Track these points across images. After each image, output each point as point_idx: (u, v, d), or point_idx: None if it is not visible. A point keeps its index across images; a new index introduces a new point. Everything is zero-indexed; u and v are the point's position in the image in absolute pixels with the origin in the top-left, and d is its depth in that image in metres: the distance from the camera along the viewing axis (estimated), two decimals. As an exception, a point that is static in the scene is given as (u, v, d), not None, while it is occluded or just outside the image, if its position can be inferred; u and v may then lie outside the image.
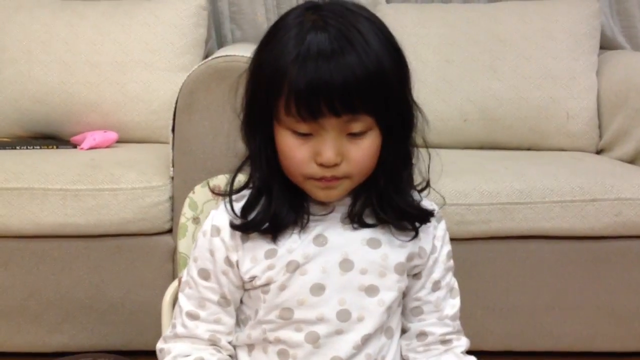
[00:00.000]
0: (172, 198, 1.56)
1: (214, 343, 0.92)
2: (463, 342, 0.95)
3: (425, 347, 0.94)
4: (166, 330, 0.96)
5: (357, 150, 0.82)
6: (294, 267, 0.87)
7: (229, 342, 0.92)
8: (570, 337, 1.58)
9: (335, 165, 0.82)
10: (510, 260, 1.55)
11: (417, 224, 0.89)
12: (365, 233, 0.89)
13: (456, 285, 0.97)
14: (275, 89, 0.81)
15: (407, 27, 2.01)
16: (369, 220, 0.89)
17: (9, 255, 1.55)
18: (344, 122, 0.81)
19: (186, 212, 1.10)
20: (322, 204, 0.89)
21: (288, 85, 0.79)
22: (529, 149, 1.93)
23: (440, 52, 1.98)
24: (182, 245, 1.09)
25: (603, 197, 1.52)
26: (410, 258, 0.90)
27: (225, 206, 0.89)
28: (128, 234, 1.55)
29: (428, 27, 2.01)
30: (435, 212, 0.92)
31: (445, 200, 0.94)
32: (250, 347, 0.92)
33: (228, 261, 0.89)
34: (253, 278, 0.89)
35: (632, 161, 1.77)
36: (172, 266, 1.55)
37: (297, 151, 0.82)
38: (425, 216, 0.90)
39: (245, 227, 0.88)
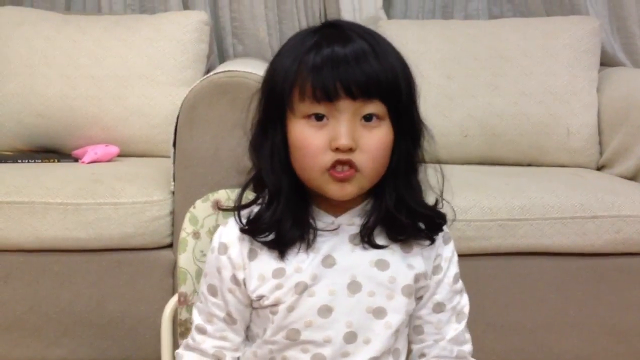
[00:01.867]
0: (172, 212, 1.56)
1: (219, 359, 0.92)
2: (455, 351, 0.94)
3: None
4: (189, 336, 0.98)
5: (371, 138, 0.83)
6: (302, 289, 0.87)
7: (237, 358, 0.93)
8: (570, 354, 1.57)
9: (350, 150, 0.82)
10: (511, 276, 1.54)
11: (432, 232, 0.90)
12: (374, 254, 0.89)
13: (466, 309, 0.96)
14: (289, 84, 0.83)
15: (408, 43, 2.01)
16: (380, 241, 0.89)
17: (9, 269, 1.55)
18: (358, 105, 0.82)
19: (187, 227, 1.10)
20: (329, 218, 0.89)
21: (304, 70, 0.82)
22: (529, 165, 1.93)
23: (441, 67, 1.98)
24: (183, 259, 1.09)
25: (603, 214, 1.52)
26: (417, 279, 0.90)
27: (235, 217, 0.90)
28: (128, 249, 1.55)
29: (429, 43, 2.02)
30: (444, 232, 0.93)
31: (456, 216, 0.94)
32: None
33: (235, 279, 0.90)
34: (261, 297, 0.89)
35: (632, 178, 1.77)
36: (172, 281, 1.55)
37: (313, 139, 0.83)
38: (439, 218, 0.91)
39: (252, 232, 0.88)
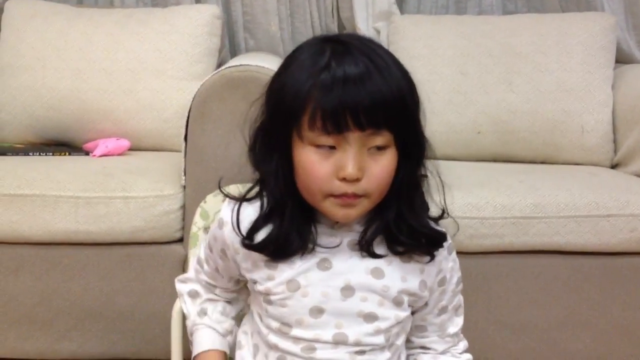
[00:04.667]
0: (183, 207, 1.55)
1: (210, 291, 1.02)
2: (460, 346, 1.00)
3: (425, 353, 0.99)
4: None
5: (377, 167, 0.84)
6: (295, 287, 0.89)
7: (224, 292, 1.01)
8: (583, 354, 1.56)
9: (357, 180, 0.83)
10: (524, 275, 1.53)
11: (431, 250, 0.91)
12: (371, 262, 0.90)
13: (462, 301, 1.00)
14: (299, 106, 0.82)
15: (422, 39, 2.00)
16: (379, 250, 0.90)
17: (19, 262, 1.55)
18: (366, 136, 0.82)
19: (197, 222, 1.10)
20: (331, 235, 0.90)
21: (315, 102, 0.81)
22: (543, 162, 1.92)
23: (455, 64, 1.97)
24: (193, 254, 1.08)
25: (618, 213, 1.50)
26: (410, 293, 0.92)
27: (233, 227, 0.91)
28: (139, 243, 1.55)
29: (442, 39, 2.00)
30: (447, 243, 0.94)
31: (459, 229, 0.95)
32: (255, 348, 0.95)
33: (223, 253, 0.94)
34: (255, 281, 0.92)
35: (647, 177, 1.76)
36: (182, 275, 1.55)
37: (319, 167, 0.83)
38: (439, 237, 0.92)
39: (251, 247, 0.89)
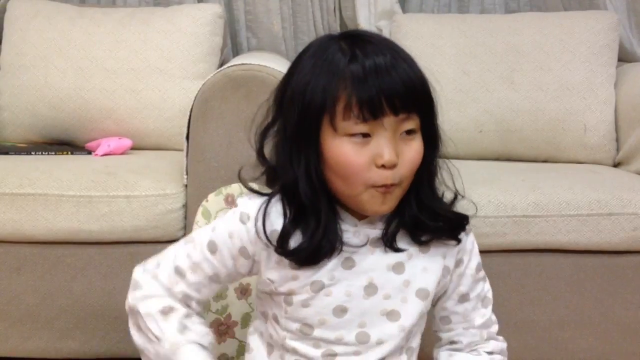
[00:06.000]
0: (185, 206, 1.55)
1: (185, 304, 0.92)
2: (490, 345, 0.98)
3: (452, 349, 0.98)
4: (150, 261, 0.97)
5: (410, 151, 0.85)
6: (319, 287, 0.88)
7: (199, 304, 0.94)
8: (585, 352, 1.56)
9: (394, 165, 0.83)
10: (526, 273, 1.53)
11: (456, 233, 0.92)
12: (391, 258, 0.90)
13: (489, 294, 0.99)
14: (331, 100, 0.82)
15: (424, 38, 2.00)
16: (401, 244, 0.90)
17: (22, 261, 1.55)
18: (399, 121, 0.83)
19: (199, 221, 1.10)
20: (355, 233, 0.89)
21: (348, 92, 0.81)
22: (545, 161, 1.92)
23: (457, 62, 1.97)
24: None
25: (620, 212, 1.50)
26: (434, 283, 0.91)
27: (258, 234, 0.88)
28: (141, 242, 1.55)
29: (445, 38, 2.00)
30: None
31: (477, 210, 0.95)
32: (270, 347, 0.94)
33: (244, 251, 0.90)
34: (273, 281, 0.89)
35: (650, 175, 1.75)
36: (184, 274, 1.55)
37: (356, 156, 0.83)
38: (461, 219, 0.92)
39: (286, 254, 0.87)
